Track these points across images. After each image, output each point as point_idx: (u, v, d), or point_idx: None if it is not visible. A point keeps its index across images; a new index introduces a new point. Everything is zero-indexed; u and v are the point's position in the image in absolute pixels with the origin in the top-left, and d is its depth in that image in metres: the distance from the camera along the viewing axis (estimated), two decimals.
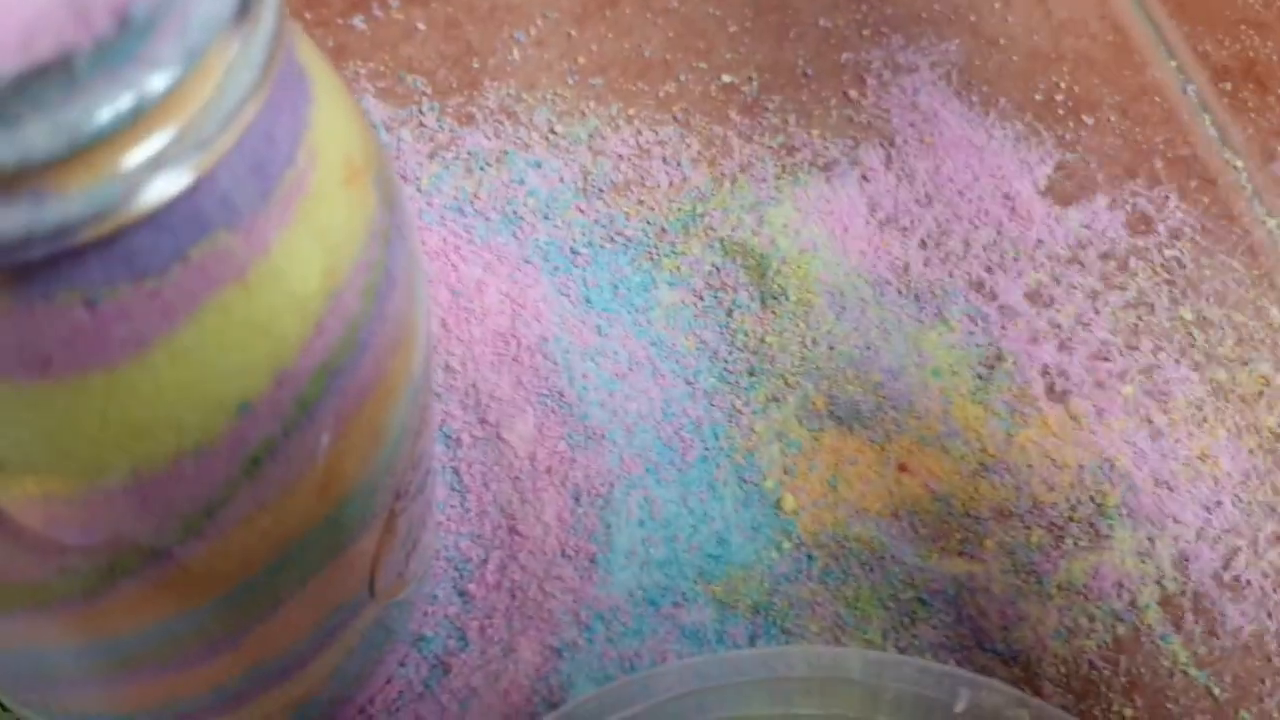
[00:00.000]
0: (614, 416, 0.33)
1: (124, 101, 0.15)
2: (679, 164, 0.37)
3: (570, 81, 0.39)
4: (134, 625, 0.22)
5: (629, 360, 0.34)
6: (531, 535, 0.31)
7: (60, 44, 0.14)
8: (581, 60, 0.39)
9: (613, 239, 0.36)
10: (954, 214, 0.37)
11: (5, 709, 0.29)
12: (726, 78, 0.39)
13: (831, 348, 0.35)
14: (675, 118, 0.38)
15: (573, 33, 0.39)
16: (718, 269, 0.36)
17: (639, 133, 0.38)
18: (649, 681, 0.28)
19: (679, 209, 0.37)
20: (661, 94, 0.39)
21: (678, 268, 0.36)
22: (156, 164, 0.15)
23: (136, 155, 0.15)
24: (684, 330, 0.35)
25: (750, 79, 0.39)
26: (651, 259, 0.36)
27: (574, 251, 0.36)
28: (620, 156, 0.37)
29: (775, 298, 0.35)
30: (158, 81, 0.15)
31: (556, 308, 0.35)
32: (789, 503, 0.32)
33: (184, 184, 0.16)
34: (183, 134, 0.16)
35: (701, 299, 0.35)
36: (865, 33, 0.40)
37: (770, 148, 0.38)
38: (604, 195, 0.37)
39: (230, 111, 0.16)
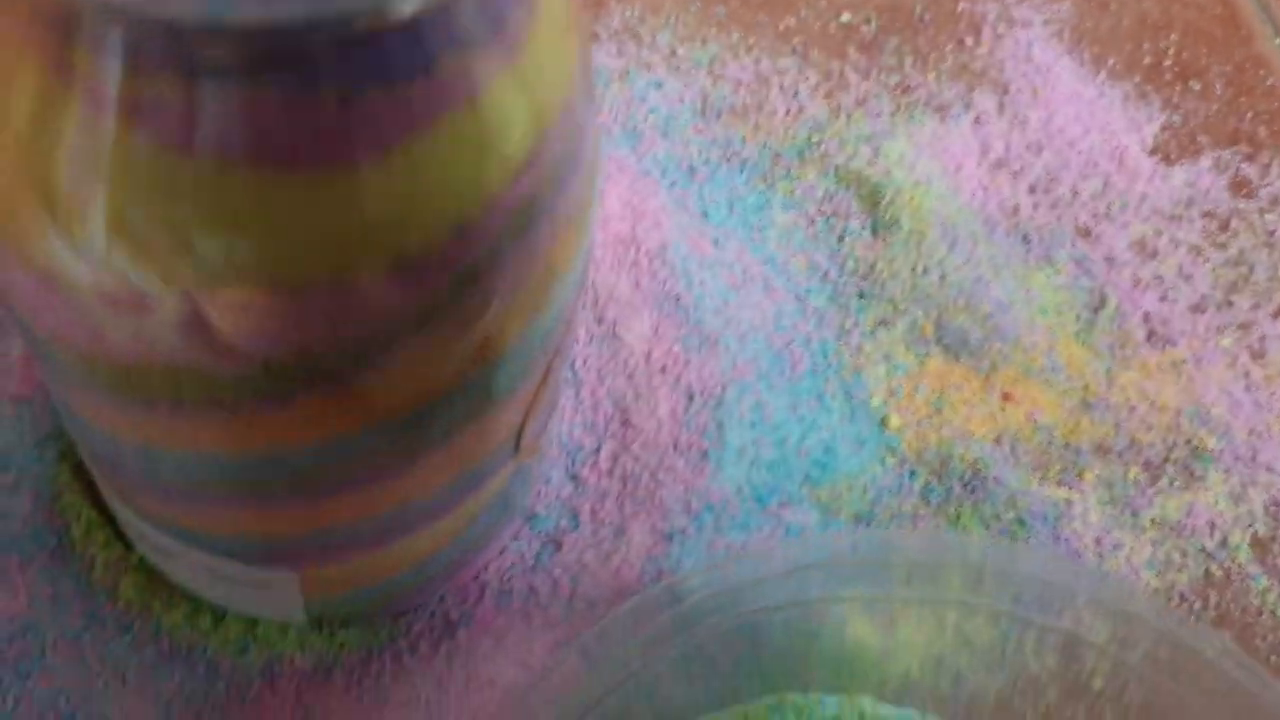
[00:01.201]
0: (728, 324, 0.34)
1: None
2: (796, 94, 0.38)
3: (693, 8, 0.39)
4: (299, 441, 0.23)
5: (743, 273, 0.35)
6: (645, 428, 0.32)
7: None
8: None
9: (729, 159, 0.37)
10: (1063, 163, 0.38)
11: (129, 548, 0.30)
12: (845, 17, 0.40)
13: (942, 277, 0.35)
14: (794, 50, 0.39)
15: None
16: (831, 196, 0.37)
17: (758, 61, 0.39)
18: (757, 558, 0.28)
19: (795, 136, 0.38)
20: (781, 27, 0.39)
21: (792, 191, 0.37)
22: None
23: None
24: (796, 250, 0.36)
25: (868, 20, 0.40)
26: (766, 181, 0.37)
27: (692, 169, 0.37)
28: (739, 82, 0.38)
29: (887, 227, 0.36)
30: None
31: (675, 219, 0.35)
32: (894, 421, 0.33)
33: None
34: None
35: (814, 223, 0.36)
36: None
37: (886, 85, 0.39)
38: (722, 118, 0.38)
39: None
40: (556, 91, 0.20)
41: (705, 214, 0.36)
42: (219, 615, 0.30)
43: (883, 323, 0.35)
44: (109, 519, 0.30)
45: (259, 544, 0.26)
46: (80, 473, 0.31)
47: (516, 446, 0.26)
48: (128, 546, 0.30)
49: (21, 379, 0.32)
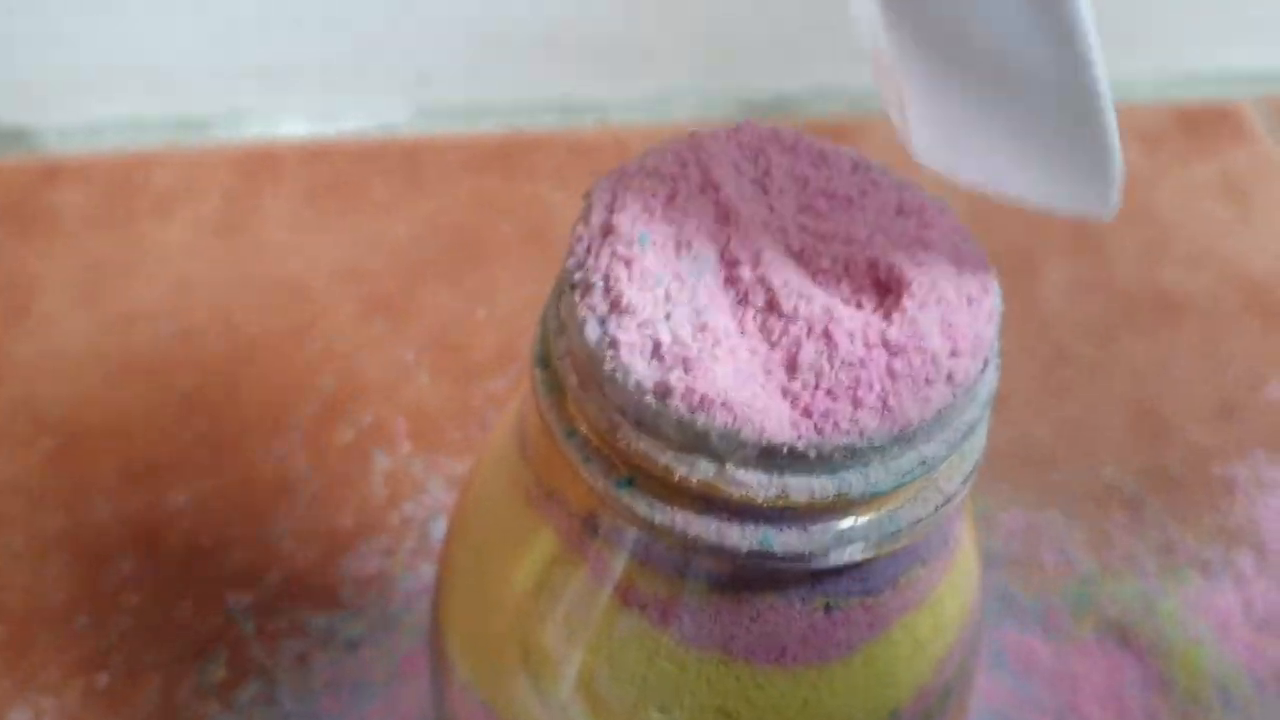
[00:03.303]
0: None
1: (936, 461, 0.19)
2: (1064, 548, 0.41)
3: None
4: None
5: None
6: None
7: (908, 422, 0.18)
8: None
9: (1007, 607, 0.39)
10: None
11: None
12: (1108, 475, 0.43)
13: None
14: (1060, 505, 0.42)
15: None
16: (1107, 650, 0.39)
17: (1027, 516, 0.42)
18: None
19: (1066, 589, 0.40)
20: (1048, 483, 0.43)
21: (1070, 644, 0.39)
22: (915, 510, 0.20)
23: (910, 504, 0.19)
24: (1085, 697, 0.37)
25: (1129, 479, 0.43)
26: (1045, 632, 0.39)
27: None
28: (1012, 533, 0.41)
29: (1166, 684, 0.38)
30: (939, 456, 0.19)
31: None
32: None
33: (927, 530, 0.20)
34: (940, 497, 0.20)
35: (1092, 676, 0.38)
36: (1231, 448, 0.44)
37: (1150, 543, 0.41)
38: (997, 568, 0.40)
39: (955, 498, 0.20)
40: (973, 587, 0.23)
41: (994, 663, 0.38)
42: None
43: None
44: None
45: None
46: None
47: None
48: None
49: None
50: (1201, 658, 0.39)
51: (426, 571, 0.38)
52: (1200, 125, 0.54)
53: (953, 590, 0.22)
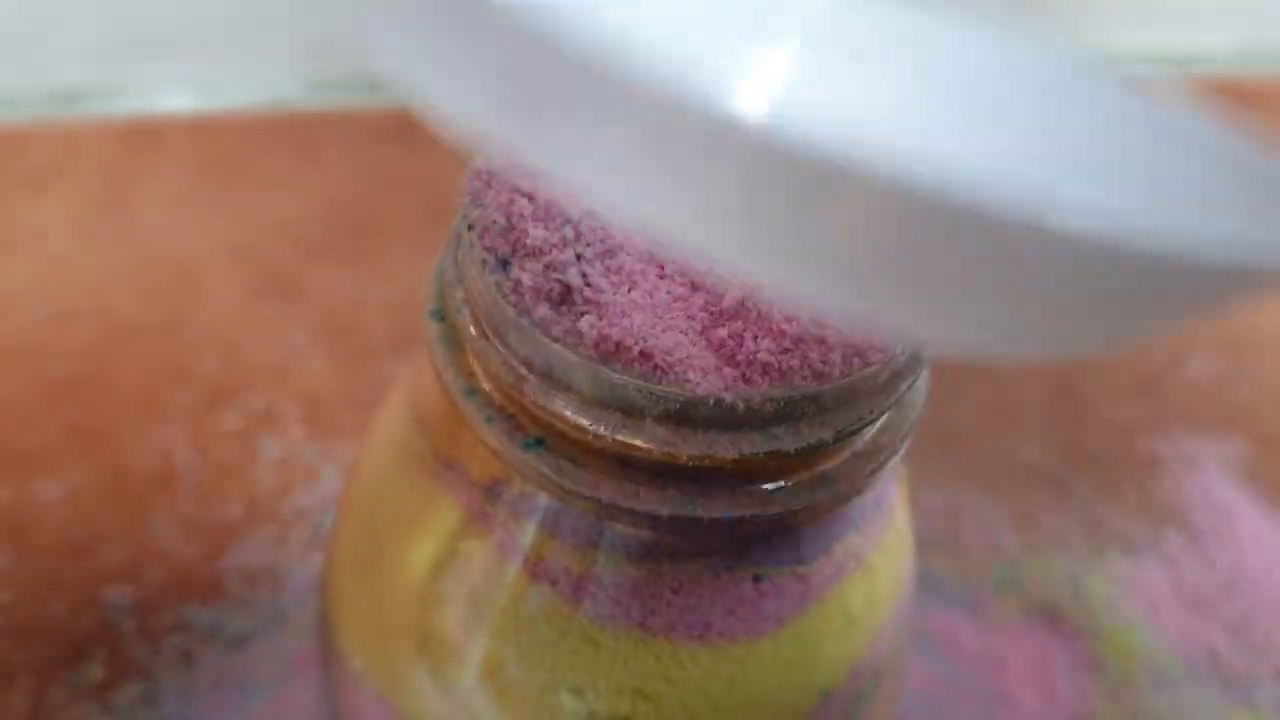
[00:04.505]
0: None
1: (871, 415, 0.17)
2: (987, 529, 0.40)
3: None
4: None
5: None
6: None
7: (863, 374, 0.17)
8: None
9: (930, 589, 0.38)
10: (1254, 605, 0.38)
11: None
12: (1029, 455, 0.42)
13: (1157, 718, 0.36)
14: (982, 485, 0.41)
15: None
16: (1033, 631, 0.37)
17: (947, 496, 0.40)
18: None
19: (991, 570, 0.39)
20: (967, 462, 0.41)
21: (997, 624, 0.37)
22: (850, 469, 0.18)
23: (846, 463, 0.18)
24: (1013, 679, 0.36)
25: (1050, 458, 0.42)
26: (970, 616, 0.37)
27: None
28: (933, 513, 0.40)
29: (1095, 666, 0.37)
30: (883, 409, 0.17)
31: None
32: None
33: (863, 491, 0.18)
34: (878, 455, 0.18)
35: (1020, 658, 0.37)
36: (1153, 426, 0.43)
37: (1076, 524, 0.40)
38: (919, 549, 0.39)
39: (894, 456, 0.18)
40: (907, 555, 0.21)
41: (919, 647, 0.36)
42: None
43: None
44: None
45: None
46: None
47: None
48: None
49: None
50: (1130, 638, 0.37)
51: (320, 563, 0.36)
52: None
53: (886, 559, 0.20)
